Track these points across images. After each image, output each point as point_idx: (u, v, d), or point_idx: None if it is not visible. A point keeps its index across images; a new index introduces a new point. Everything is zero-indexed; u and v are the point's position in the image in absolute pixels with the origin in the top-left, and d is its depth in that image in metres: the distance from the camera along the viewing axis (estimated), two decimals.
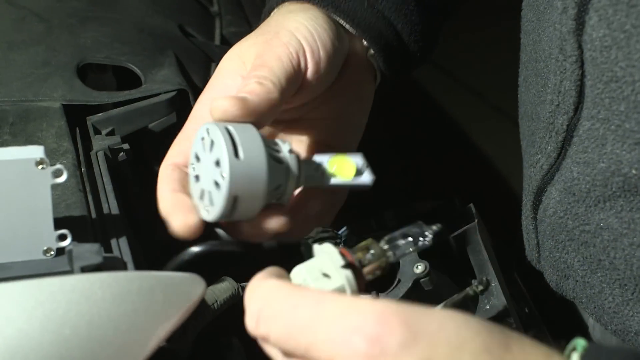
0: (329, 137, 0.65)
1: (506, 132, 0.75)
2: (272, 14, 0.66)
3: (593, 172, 0.56)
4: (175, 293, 0.48)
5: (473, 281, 0.62)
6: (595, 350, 0.42)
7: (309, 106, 0.64)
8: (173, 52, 0.82)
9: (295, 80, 0.58)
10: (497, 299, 0.61)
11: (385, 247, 0.50)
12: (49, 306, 0.43)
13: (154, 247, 0.66)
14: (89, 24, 0.83)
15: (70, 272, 0.52)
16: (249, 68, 0.58)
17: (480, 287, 0.61)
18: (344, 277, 0.47)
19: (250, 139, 0.53)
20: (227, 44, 0.95)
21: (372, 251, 0.49)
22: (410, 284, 0.59)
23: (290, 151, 0.55)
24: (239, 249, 0.60)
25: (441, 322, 0.42)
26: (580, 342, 0.43)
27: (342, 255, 0.48)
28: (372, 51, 0.67)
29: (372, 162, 0.63)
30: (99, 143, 0.69)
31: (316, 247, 0.50)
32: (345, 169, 0.58)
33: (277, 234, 0.56)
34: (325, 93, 0.63)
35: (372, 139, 0.69)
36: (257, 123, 0.55)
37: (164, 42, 0.84)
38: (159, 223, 0.58)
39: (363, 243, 0.50)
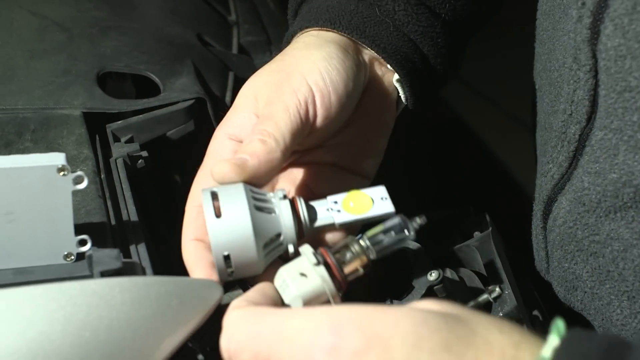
0: (347, 162, 0.64)
1: (522, 140, 0.75)
2: (292, 41, 0.66)
3: (604, 183, 0.56)
4: (192, 298, 0.49)
5: (487, 288, 0.62)
6: (573, 338, 0.41)
7: (332, 134, 0.63)
8: (191, 61, 0.83)
9: (301, 131, 0.57)
10: (510, 307, 0.61)
11: (366, 243, 0.52)
12: (70, 309, 0.44)
13: (172, 252, 0.67)
14: (109, 33, 0.84)
15: (90, 276, 0.53)
16: (261, 106, 0.59)
17: (494, 295, 0.62)
18: (318, 275, 0.49)
19: (234, 196, 0.53)
20: (245, 52, 0.96)
21: (351, 249, 0.51)
22: (423, 291, 0.60)
23: (284, 197, 0.55)
24: None
25: (396, 322, 0.42)
26: (559, 326, 0.42)
27: (319, 254, 0.51)
28: (397, 76, 0.66)
29: (387, 171, 0.63)
30: (118, 150, 0.71)
31: (300, 249, 0.52)
32: (361, 204, 0.57)
33: None
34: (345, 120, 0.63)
35: (387, 147, 0.69)
36: (259, 180, 0.55)
37: (183, 51, 0.85)
38: (177, 230, 0.59)
39: (343, 242, 0.52)
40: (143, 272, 0.56)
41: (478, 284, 0.64)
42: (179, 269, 0.58)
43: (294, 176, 0.63)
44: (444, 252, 0.67)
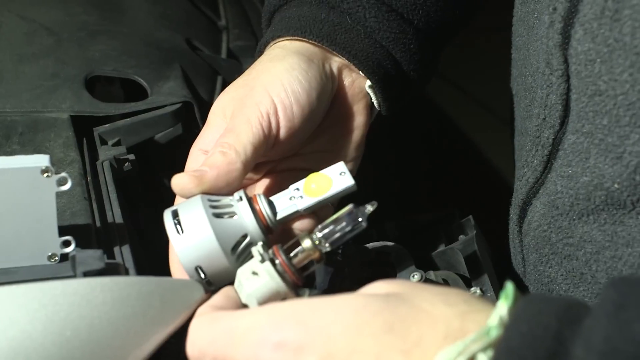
0: (323, 168, 0.63)
1: (511, 144, 0.76)
2: (264, 52, 0.67)
3: (576, 186, 0.57)
4: (174, 298, 0.49)
5: (469, 290, 0.63)
6: (528, 301, 0.41)
7: (301, 143, 0.64)
8: (179, 65, 0.83)
9: (264, 142, 0.58)
10: None
11: (319, 235, 0.53)
12: (52, 309, 0.45)
13: (157, 254, 0.67)
14: (97, 37, 0.85)
15: (73, 277, 0.53)
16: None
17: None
18: (266, 271, 0.51)
19: (192, 209, 0.54)
20: (234, 57, 0.96)
21: (303, 243, 0.52)
22: None
23: (241, 198, 0.55)
24: None
25: (337, 311, 0.43)
26: (508, 292, 0.42)
27: (270, 252, 0.52)
28: (369, 82, 0.66)
29: (376, 174, 0.63)
30: (105, 153, 0.71)
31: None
32: (321, 184, 0.58)
33: None
34: (316, 128, 0.64)
35: (376, 150, 0.69)
36: (219, 191, 0.56)
37: (171, 55, 0.86)
38: (163, 232, 0.59)
39: (297, 237, 0.53)
40: (126, 273, 0.56)
41: (461, 286, 0.64)
42: (165, 271, 0.58)
43: (271, 183, 0.63)
44: (428, 255, 0.68)
